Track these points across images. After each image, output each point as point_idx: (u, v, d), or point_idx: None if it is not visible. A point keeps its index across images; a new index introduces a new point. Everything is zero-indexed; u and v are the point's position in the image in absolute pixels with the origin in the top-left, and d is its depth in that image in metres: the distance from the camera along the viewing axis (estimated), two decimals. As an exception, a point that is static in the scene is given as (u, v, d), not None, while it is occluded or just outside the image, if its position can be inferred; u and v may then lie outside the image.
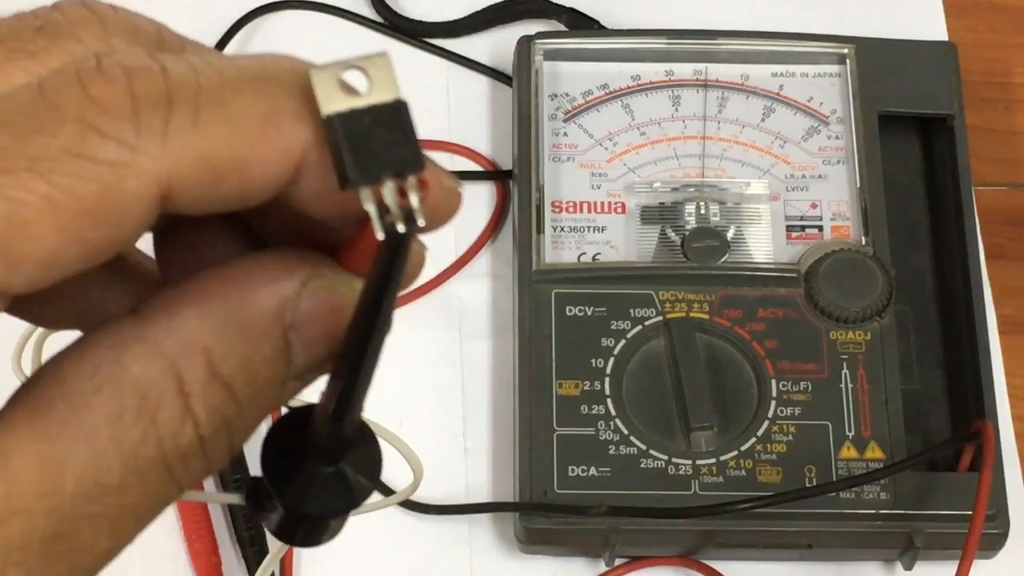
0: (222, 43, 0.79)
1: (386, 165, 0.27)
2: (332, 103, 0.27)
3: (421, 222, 0.27)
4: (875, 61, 0.77)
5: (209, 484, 0.70)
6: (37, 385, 0.27)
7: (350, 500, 0.30)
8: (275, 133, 0.27)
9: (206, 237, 0.30)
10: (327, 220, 0.28)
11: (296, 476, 0.30)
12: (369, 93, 0.27)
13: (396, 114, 0.27)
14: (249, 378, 0.28)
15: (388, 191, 0.27)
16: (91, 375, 0.27)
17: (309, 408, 0.30)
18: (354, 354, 0.28)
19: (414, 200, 0.27)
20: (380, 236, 0.27)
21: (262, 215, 0.29)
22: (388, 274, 0.27)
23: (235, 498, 0.32)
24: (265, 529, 0.32)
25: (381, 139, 0.27)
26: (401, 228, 0.27)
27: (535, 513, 0.67)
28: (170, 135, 0.26)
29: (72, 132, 0.26)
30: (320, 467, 0.30)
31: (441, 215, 0.28)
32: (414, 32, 0.82)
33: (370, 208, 0.27)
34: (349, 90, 0.27)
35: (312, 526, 0.31)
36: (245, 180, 0.27)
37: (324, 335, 0.28)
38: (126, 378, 0.27)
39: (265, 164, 0.27)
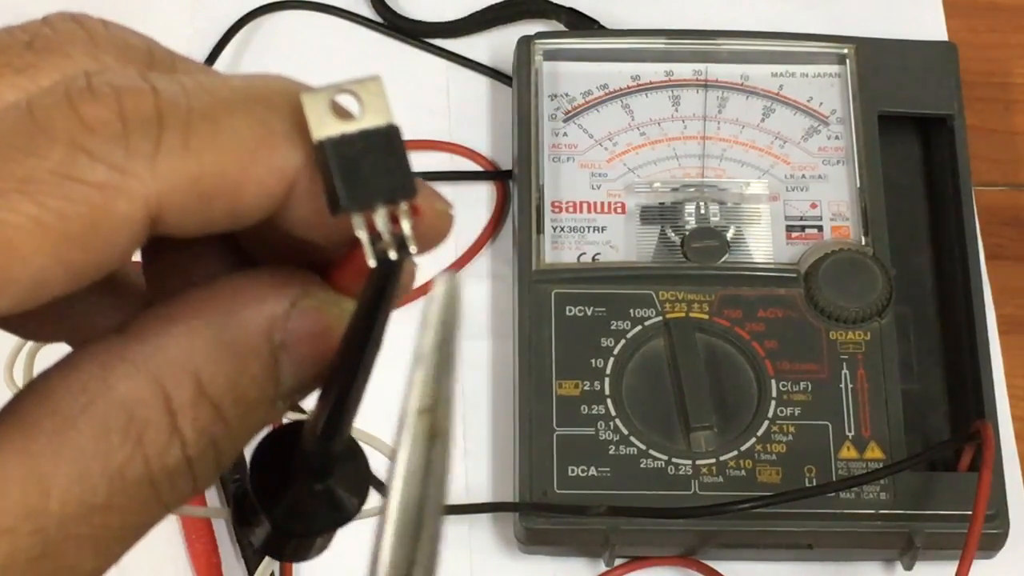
0: (222, 43, 0.79)
1: (378, 192, 0.26)
2: (324, 128, 0.26)
3: (413, 248, 0.27)
4: (875, 61, 0.76)
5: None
6: (23, 403, 0.27)
7: (339, 518, 0.30)
8: (266, 156, 0.27)
9: (194, 254, 0.30)
10: (318, 241, 0.28)
11: (284, 493, 0.30)
12: (361, 117, 0.27)
13: (388, 139, 0.27)
14: (237, 397, 0.28)
15: (380, 218, 0.26)
16: (78, 393, 0.27)
17: (296, 424, 0.30)
18: (344, 376, 0.28)
19: (406, 227, 0.27)
20: (372, 263, 0.26)
21: (251, 234, 0.29)
22: (380, 299, 0.27)
23: (222, 513, 0.32)
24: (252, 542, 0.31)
25: (373, 165, 0.26)
26: (393, 255, 0.26)
27: (535, 513, 0.67)
28: (160, 157, 0.26)
29: (62, 154, 0.25)
30: (309, 485, 0.30)
31: (433, 239, 0.28)
32: (414, 32, 0.82)
33: (362, 235, 0.26)
34: (342, 114, 0.27)
35: (299, 543, 0.30)
36: (235, 203, 0.27)
37: (313, 355, 0.28)
38: (113, 397, 0.27)
39: (256, 187, 0.27)
